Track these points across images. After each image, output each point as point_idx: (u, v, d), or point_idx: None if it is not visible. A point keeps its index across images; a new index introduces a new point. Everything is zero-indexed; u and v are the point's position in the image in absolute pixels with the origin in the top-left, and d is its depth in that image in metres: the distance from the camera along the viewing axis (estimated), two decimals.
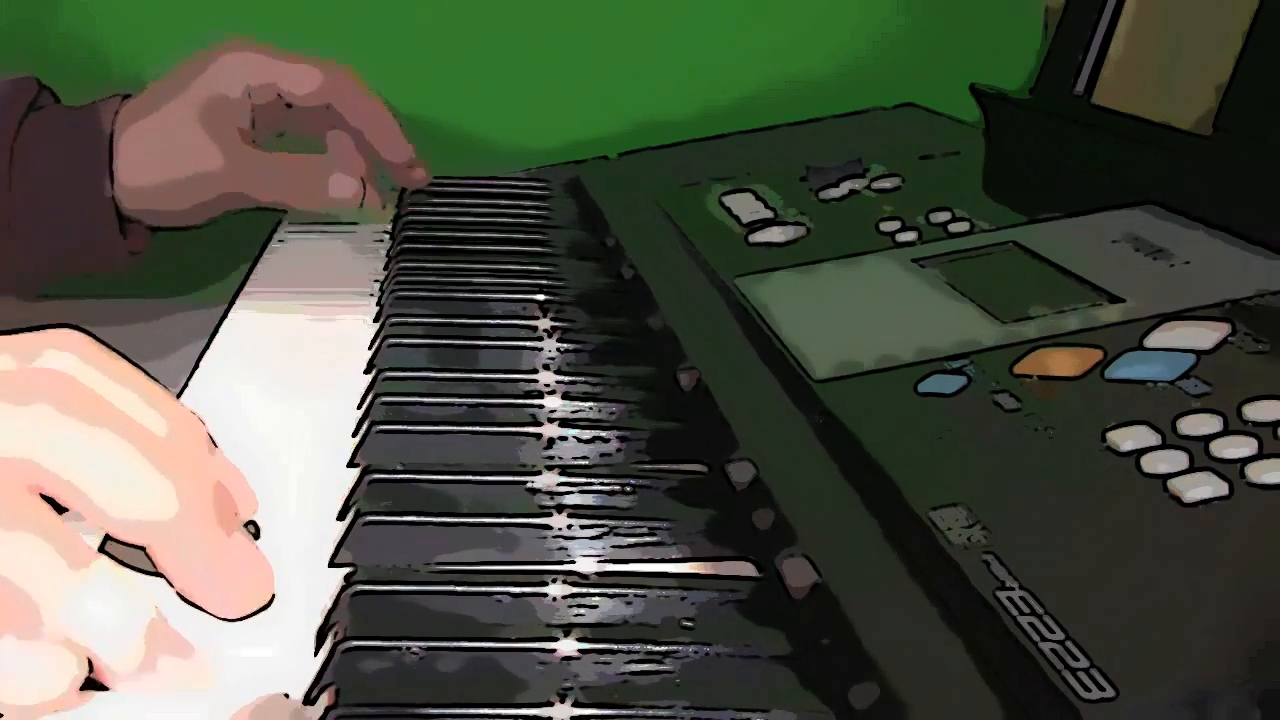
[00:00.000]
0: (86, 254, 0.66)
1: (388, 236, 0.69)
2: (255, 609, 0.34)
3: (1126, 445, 0.35)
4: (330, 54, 0.70)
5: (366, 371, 0.50)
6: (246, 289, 0.61)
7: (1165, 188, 0.52)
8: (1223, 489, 0.32)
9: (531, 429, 0.44)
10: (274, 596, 0.34)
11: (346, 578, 0.35)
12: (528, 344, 0.52)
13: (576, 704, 0.30)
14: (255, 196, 0.66)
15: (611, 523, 0.38)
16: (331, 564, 0.37)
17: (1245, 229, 0.47)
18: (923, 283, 0.49)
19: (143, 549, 0.32)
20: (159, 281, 0.73)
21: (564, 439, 0.44)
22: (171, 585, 0.33)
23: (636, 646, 0.32)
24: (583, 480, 0.40)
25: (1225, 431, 0.34)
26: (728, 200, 0.65)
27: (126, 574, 0.31)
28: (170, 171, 0.65)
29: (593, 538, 0.38)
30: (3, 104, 0.64)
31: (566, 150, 0.83)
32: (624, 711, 0.30)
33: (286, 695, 0.32)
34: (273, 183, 0.66)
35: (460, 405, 0.46)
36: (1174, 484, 0.33)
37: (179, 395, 0.48)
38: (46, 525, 0.29)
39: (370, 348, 0.52)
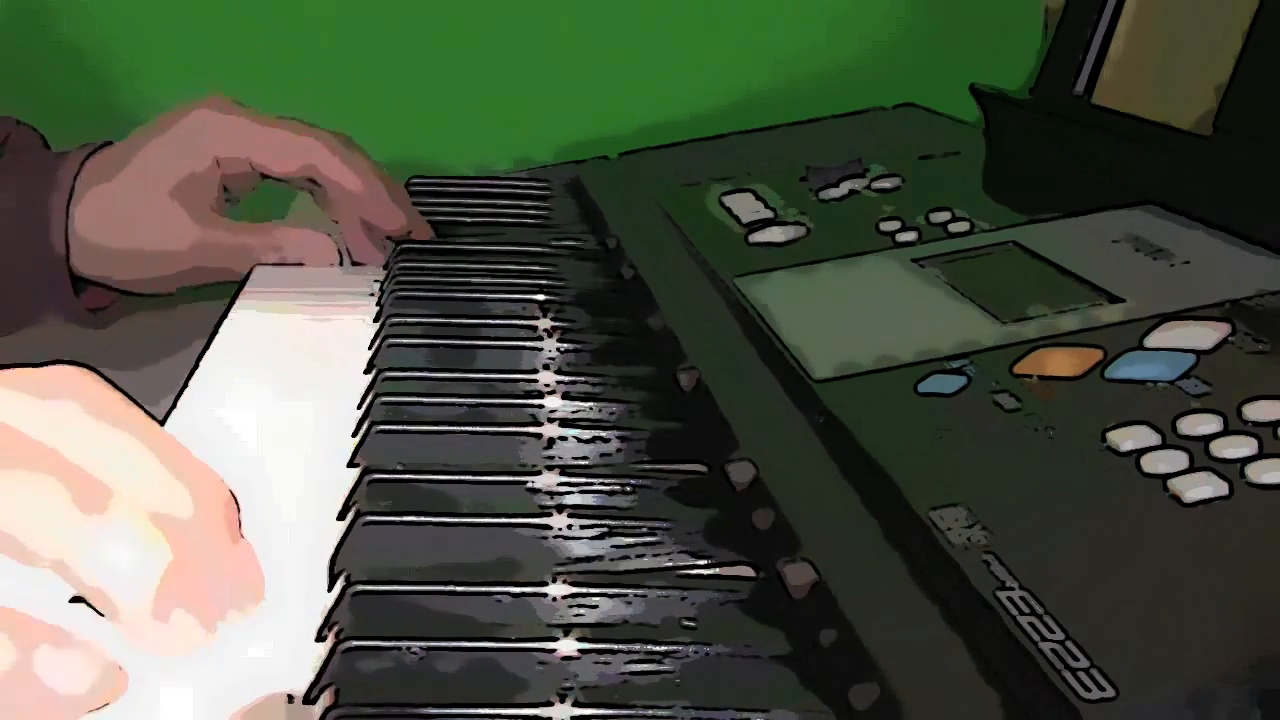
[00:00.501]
0: (40, 310, 0.63)
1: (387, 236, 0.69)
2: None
3: (1126, 445, 0.35)
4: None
5: (366, 371, 0.50)
6: (246, 289, 0.61)
7: (1165, 188, 0.52)
8: (1223, 489, 0.32)
9: (531, 429, 0.44)
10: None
11: (346, 578, 0.35)
12: (528, 344, 0.52)
13: (576, 704, 0.30)
14: (224, 270, 0.63)
15: (611, 523, 0.38)
16: (331, 564, 0.37)
17: (1245, 229, 0.47)
18: (923, 283, 0.49)
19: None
20: None
21: (564, 439, 0.44)
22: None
23: (636, 646, 0.32)
24: (583, 480, 0.40)
25: (1225, 431, 0.34)
26: (728, 200, 0.65)
27: (144, 517, 0.31)
28: (129, 242, 0.62)
29: (593, 538, 0.38)
30: None
31: (566, 150, 0.83)
32: (624, 711, 0.30)
33: (288, 696, 0.32)
34: (242, 256, 0.63)
35: (460, 405, 0.46)
36: (1174, 484, 0.33)
37: (179, 395, 0.48)
38: (60, 467, 0.30)
39: (370, 348, 0.52)
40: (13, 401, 0.31)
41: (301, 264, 0.64)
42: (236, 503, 0.35)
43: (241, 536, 0.35)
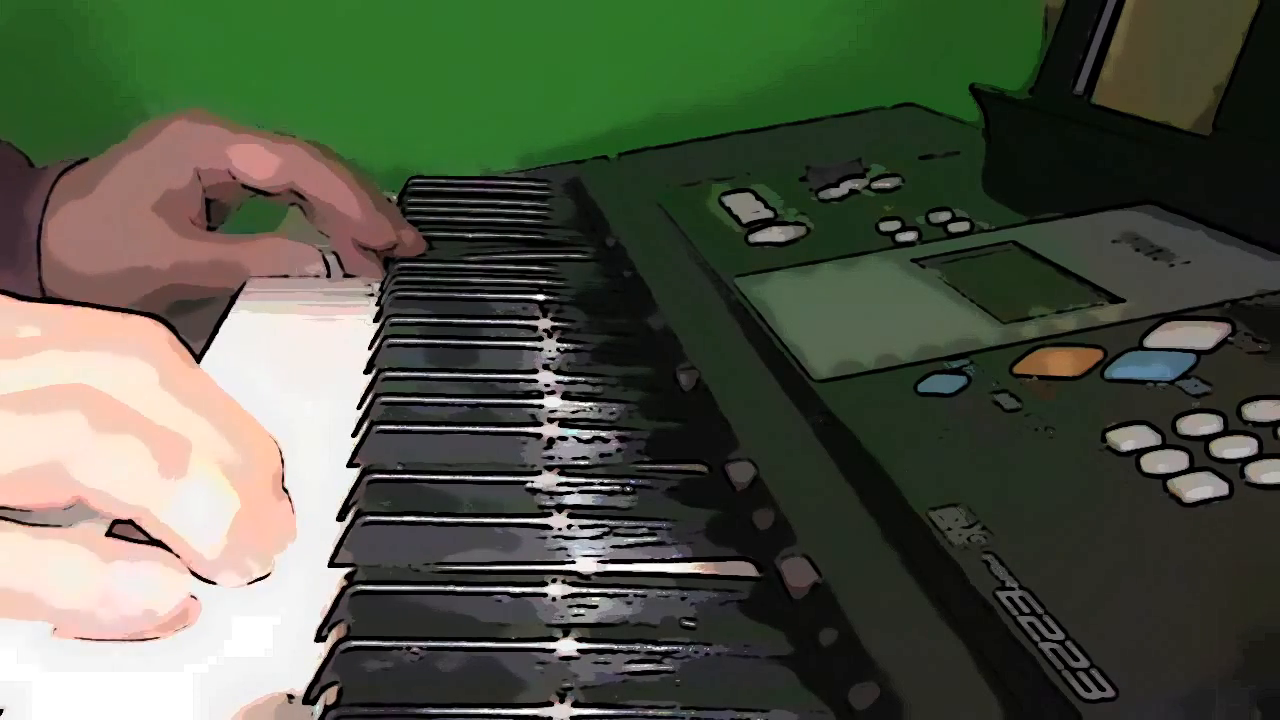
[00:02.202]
0: None
1: None
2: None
3: (1126, 445, 0.35)
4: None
5: (366, 371, 0.50)
6: (246, 289, 0.60)
7: (1165, 188, 0.52)
8: (1223, 489, 0.32)
9: (531, 429, 0.44)
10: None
11: (346, 578, 0.35)
12: (528, 344, 0.52)
13: (576, 704, 0.30)
14: (203, 287, 0.61)
15: (611, 523, 0.38)
16: (331, 564, 0.37)
17: (1245, 229, 0.47)
18: (923, 283, 0.49)
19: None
20: None
21: (564, 439, 0.44)
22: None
23: (636, 646, 0.32)
24: (583, 480, 0.40)
25: (1225, 431, 0.34)
26: (728, 200, 0.65)
27: (217, 470, 0.34)
28: (105, 264, 0.60)
29: (593, 538, 0.38)
30: None
31: (566, 150, 0.83)
32: (624, 711, 0.30)
33: (288, 696, 0.32)
34: (222, 273, 0.60)
35: (460, 405, 0.46)
36: (1174, 484, 0.33)
37: None
38: (144, 427, 0.33)
39: (370, 348, 0.52)
40: (97, 363, 0.34)
41: (287, 276, 0.62)
42: (282, 458, 0.39)
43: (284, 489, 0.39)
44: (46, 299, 0.60)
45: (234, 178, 0.62)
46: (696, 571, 0.37)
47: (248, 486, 0.36)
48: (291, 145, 0.62)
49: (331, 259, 0.63)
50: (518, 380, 0.48)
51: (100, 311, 0.35)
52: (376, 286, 0.60)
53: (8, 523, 0.32)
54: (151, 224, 0.60)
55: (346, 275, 0.63)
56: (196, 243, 0.61)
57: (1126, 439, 0.35)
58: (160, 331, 0.36)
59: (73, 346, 0.34)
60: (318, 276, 0.63)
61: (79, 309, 0.35)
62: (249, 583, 0.36)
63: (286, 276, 0.63)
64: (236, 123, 0.62)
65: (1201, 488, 0.32)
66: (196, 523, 0.34)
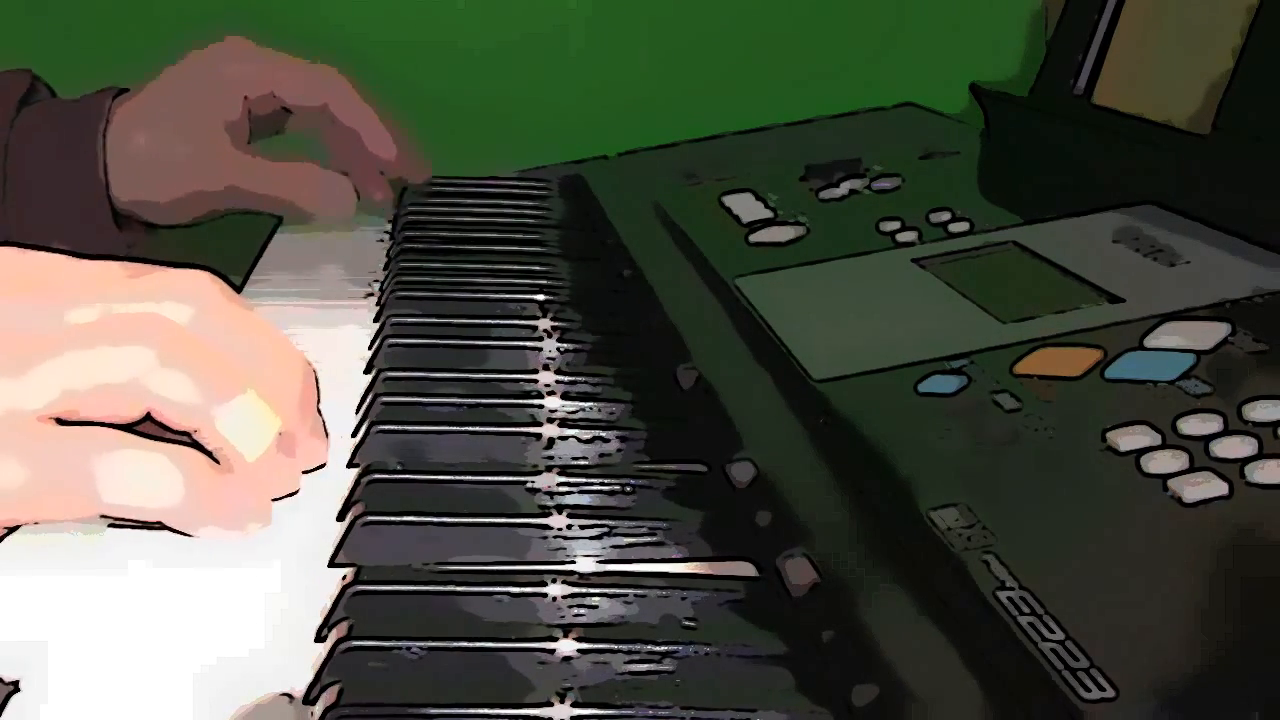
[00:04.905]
0: (81, 248, 0.65)
1: (387, 236, 0.69)
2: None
3: (1126, 445, 0.35)
4: (330, 52, 0.70)
5: (366, 371, 0.50)
6: (246, 289, 0.61)
7: (1165, 188, 0.52)
8: (1223, 489, 0.32)
9: (531, 429, 0.44)
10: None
11: (346, 578, 0.35)
12: (528, 344, 0.52)
13: (576, 704, 0.30)
14: (250, 205, 0.66)
15: (611, 523, 0.38)
16: (331, 564, 0.37)
17: (1245, 229, 0.47)
18: (923, 283, 0.49)
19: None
20: None
21: (564, 439, 0.44)
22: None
23: (636, 646, 0.32)
24: (582, 480, 0.40)
25: (1225, 431, 0.34)
26: (728, 200, 0.65)
27: (259, 396, 0.39)
28: (165, 183, 0.65)
29: (592, 538, 0.38)
30: None
31: (566, 150, 0.83)
32: (624, 711, 0.30)
33: (288, 696, 0.32)
34: (269, 190, 0.66)
35: (460, 405, 0.46)
36: (1174, 484, 0.33)
37: None
38: (202, 354, 0.38)
39: (370, 348, 0.52)
40: (163, 303, 0.38)
41: (317, 205, 0.66)
42: (317, 379, 0.43)
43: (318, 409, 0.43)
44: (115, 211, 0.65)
45: (276, 98, 0.67)
46: (696, 571, 0.37)
47: (289, 406, 0.40)
48: (324, 68, 0.68)
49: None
50: (518, 380, 0.48)
51: (160, 267, 0.40)
52: (377, 287, 0.61)
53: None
54: (202, 148, 0.65)
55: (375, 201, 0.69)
56: (244, 162, 0.66)
57: (1126, 439, 0.35)
58: (215, 278, 0.40)
59: (137, 292, 0.38)
60: (346, 204, 0.67)
61: (140, 265, 0.40)
62: (279, 498, 0.40)
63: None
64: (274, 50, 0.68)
65: (1201, 488, 0.32)
66: (245, 434, 0.38)
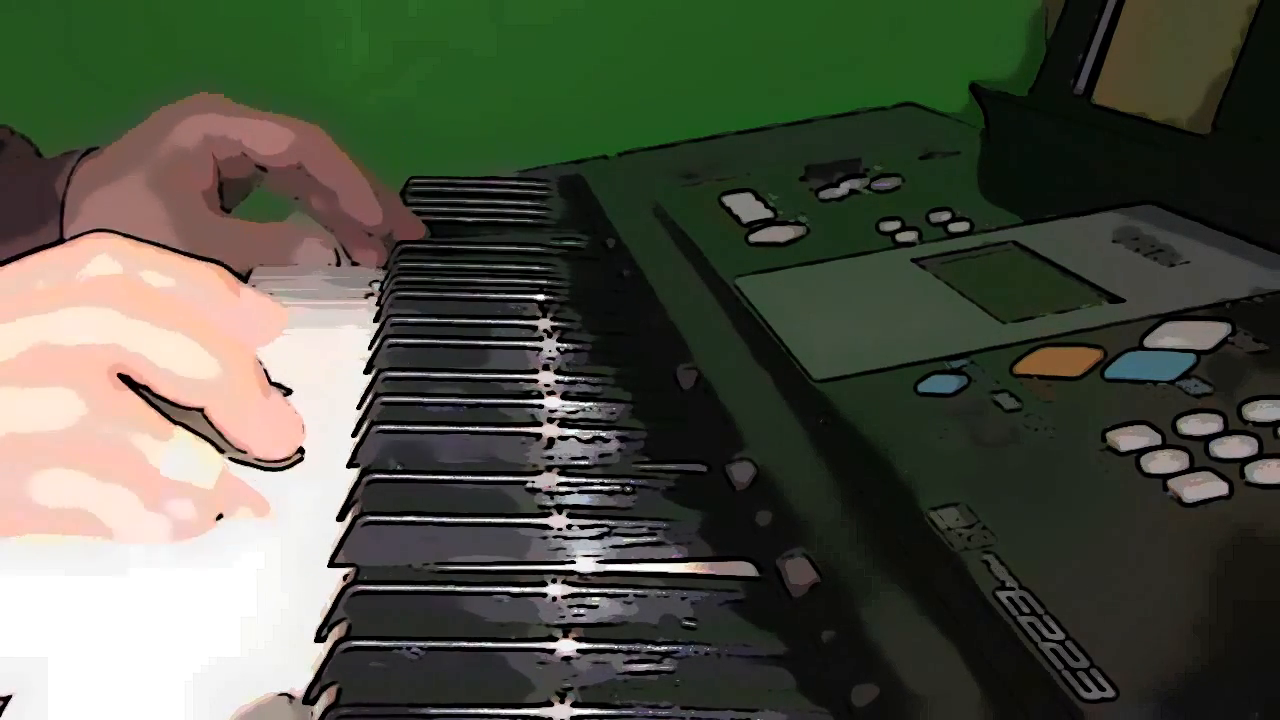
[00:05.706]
0: None
1: None
2: (292, 453, 0.42)
3: (1126, 445, 0.35)
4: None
5: (366, 371, 0.50)
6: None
7: (1165, 188, 0.52)
8: (1223, 489, 0.32)
9: (531, 429, 0.44)
10: (303, 450, 0.42)
11: (346, 578, 0.35)
12: (528, 344, 0.52)
13: (576, 704, 0.30)
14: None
15: (611, 523, 0.38)
16: (331, 564, 0.37)
17: (1245, 229, 0.47)
18: (923, 283, 0.49)
19: (202, 413, 0.39)
20: None
21: (564, 439, 0.44)
22: (227, 443, 0.40)
23: (636, 646, 0.32)
24: (582, 480, 0.40)
25: (1225, 431, 0.34)
26: (728, 200, 0.65)
27: (200, 440, 0.39)
28: None
29: (592, 538, 0.38)
30: None
31: (566, 150, 0.83)
32: (624, 711, 0.30)
33: (288, 696, 0.32)
34: (238, 254, 0.61)
35: (460, 405, 0.46)
36: (1174, 484, 0.33)
37: None
38: (136, 411, 0.38)
39: (370, 348, 0.52)
40: (60, 268, 0.38)
41: (296, 264, 0.63)
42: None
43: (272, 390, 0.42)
44: None
45: (245, 155, 0.63)
46: (696, 571, 0.37)
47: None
48: (301, 124, 0.64)
49: (339, 250, 0.64)
50: (518, 380, 0.48)
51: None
52: (377, 287, 0.60)
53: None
54: (167, 207, 0.61)
55: (354, 263, 0.64)
56: (212, 224, 0.63)
57: (1126, 439, 0.35)
58: (112, 237, 0.39)
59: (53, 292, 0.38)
60: (328, 265, 0.64)
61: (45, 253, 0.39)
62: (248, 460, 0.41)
63: (294, 266, 0.63)
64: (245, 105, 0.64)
65: (1201, 488, 0.32)
66: (216, 388, 0.39)
